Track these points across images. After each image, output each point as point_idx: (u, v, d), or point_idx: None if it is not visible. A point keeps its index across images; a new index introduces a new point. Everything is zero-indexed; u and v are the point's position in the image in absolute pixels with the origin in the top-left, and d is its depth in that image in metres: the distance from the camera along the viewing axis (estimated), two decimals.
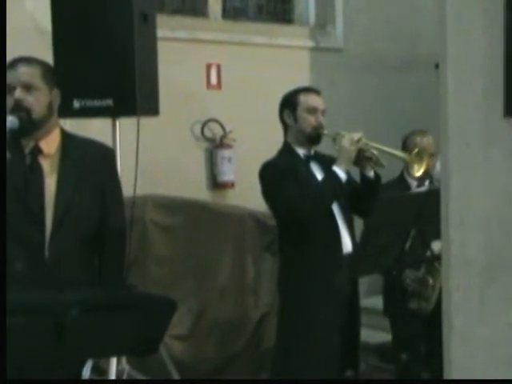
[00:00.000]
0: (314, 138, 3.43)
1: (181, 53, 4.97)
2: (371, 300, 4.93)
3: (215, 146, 5.32)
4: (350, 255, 3.38)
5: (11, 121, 2.69)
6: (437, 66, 2.46)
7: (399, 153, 3.44)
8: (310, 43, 5.78)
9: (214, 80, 5.32)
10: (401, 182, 4.02)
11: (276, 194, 3.33)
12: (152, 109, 3.65)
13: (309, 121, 3.42)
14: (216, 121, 5.29)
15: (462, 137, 2.28)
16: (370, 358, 4.75)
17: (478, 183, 2.26)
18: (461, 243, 2.30)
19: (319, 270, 3.32)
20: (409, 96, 5.84)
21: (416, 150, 3.43)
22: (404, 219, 3.47)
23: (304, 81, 5.61)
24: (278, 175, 3.34)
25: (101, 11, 3.50)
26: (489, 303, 2.25)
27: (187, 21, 5.36)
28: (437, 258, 3.34)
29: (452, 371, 2.33)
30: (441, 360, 2.44)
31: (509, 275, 2.21)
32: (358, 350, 3.54)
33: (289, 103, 3.47)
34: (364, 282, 4.23)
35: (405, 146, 4.00)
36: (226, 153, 5.29)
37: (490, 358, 2.25)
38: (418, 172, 3.40)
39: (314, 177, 3.40)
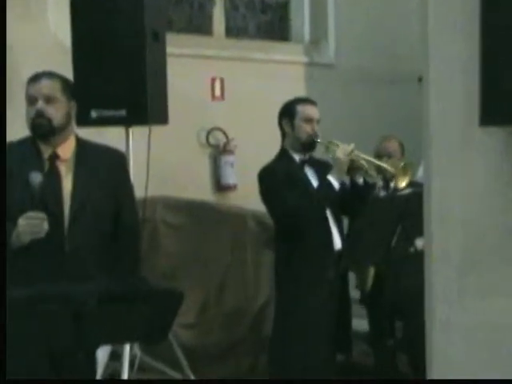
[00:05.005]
0: (308, 145, 3.44)
1: (188, 68, 4.97)
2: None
3: (219, 152, 5.31)
4: (339, 252, 3.39)
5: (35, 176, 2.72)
6: (420, 80, 2.47)
7: (385, 165, 3.43)
8: (304, 59, 5.78)
9: (217, 92, 5.32)
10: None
11: (274, 198, 3.36)
12: (162, 118, 3.65)
13: (305, 129, 3.42)
14: (219, 129, 5.29)
15: (442, 144, 2.29)
16: (360, 345, 4.74)
17: (456, 185, 2.27)
18: (441, 239, 2.31)
19: (313, 265, 3.34)
20: (393, 107, 5.84)
21: (402, 164, 3.45)
22: (391, 218, 3.48)
23: (299, 93, 5.59)
24: (275, 180, 3.35)
25: (116, 30, 3.50)
26: (466, 293, 2.25)
27: (193, 38, 5.36)
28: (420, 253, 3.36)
29: (433, 356, 2.34)
30: (419, 345, 2.45)
31: (484, 268, 2.22)
32: (350, 335, 3.55)
33: (287, 112, 3.47)
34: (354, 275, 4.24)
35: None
36: (228, 158, 5.29)
37: (469, 343, 2.26)
38: (402, 183, 3.42)
39: (308, 180, 3.42)
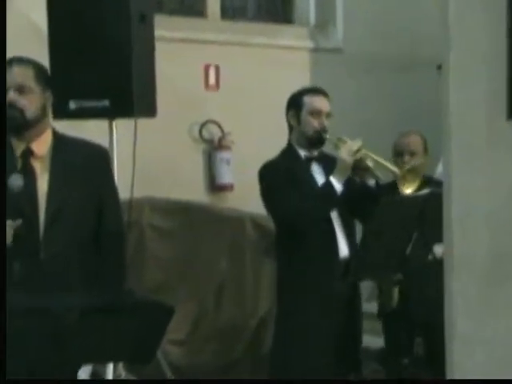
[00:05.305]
0: (315, 141, 3.44)
1: (179, 53, 4.97)
2: (373, 305, 4.92)
3: (213, 148, 5.32)
4: (345, 260, 3.39)
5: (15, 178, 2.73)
6: (439, 67, 2.47)
7: (392, 167, 3.41)
8: (310, 44, 5.79)
9: (212, 81, 5.32)
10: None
11: (275, 198, 3.37)
12: (149, 110, 3.65)
13: (311, 123, 3.42)
14: (214, 122, 5.29)
15: (464, 138, 2.29)
16: (371, 364, 4.74)
17: (480, 185, 2.26)
18: (463, 246, 2.31)
19: (314, 273, 3.34)
20: (410, 97, 5.84)
21: (408, 166, 3.42)
22: (405, 222, 3.47)
23: (304, 82, 5.61)
24: (277, 177, 3.36)
25: (98, 11, 3.50)
26: (491, 306, 2.25)
27: (185, 21, 5.37)
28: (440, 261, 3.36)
29: (454, 373, 2.34)
30: (441, 362, 2.45)
31: (510, 276, 2.22)
32: (359, 354, 3.55)
33: (294, 104, 3.48)
34: (365, 287, 4.23)
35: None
36: (224, 155, 5.29)
37: (492, 360, 2.26)
38: (407, 189, 3.39)
39: (313, 180, 3.41)
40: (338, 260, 3.38)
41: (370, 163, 3.36)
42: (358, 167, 3.36)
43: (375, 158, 3.38)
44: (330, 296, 3.34)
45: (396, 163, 3.83)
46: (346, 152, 3.32)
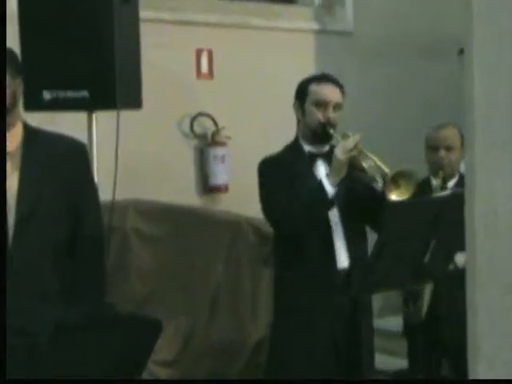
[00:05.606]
0: (320, 135, 3.41)
1: (167, 37, 4.98)
2: (385, 321, 4.93)
3: (206, 144, 5.32)
4: (345, 271, 3.39)
5: None
6: (460, 52, 2.47)
7: (383, 167, 3.34)
8: (315, 26, 5.79)
9: (204, 68, 5.33)
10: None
11: (265, 197, 3.39)
12: (134, 101, 3.66)
13: (315, 115, 3.39)
14: (207, 115, 5.30)
15: (489, 135, 2.28)
16: None
17: (507, 187, 2.26)
18: (488, 255, 2.30)
19: (310, 285, 3.35)
20: (428, 86, 5.85)
21: (395, 171, 3.33)
22: (423, 228, 3.47)
23: (308, 68, 5.63)
24: (272, 174, 3.38)
25: None
26: None
27: (174, 0, 5.37)
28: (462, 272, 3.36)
29: None
30: None
31: None
32: (362, 372, 3.54)
33: (299, 94, 3.48)
34: (377, 299, 4.24)
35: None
36: (218, 151, 5.30)
37: None
38: (394, 195, 3.31)
39: (313, 179, 3.40)
40: (335, 270, 3.37)
41: (365, 164, 3.32)
42: (354, 167, 3.33)
43: (369, 155, 3.32)
44: (329, 302, 3.35)
45: (429, 159, 3.85)
46: (340, 150, 3.29)
